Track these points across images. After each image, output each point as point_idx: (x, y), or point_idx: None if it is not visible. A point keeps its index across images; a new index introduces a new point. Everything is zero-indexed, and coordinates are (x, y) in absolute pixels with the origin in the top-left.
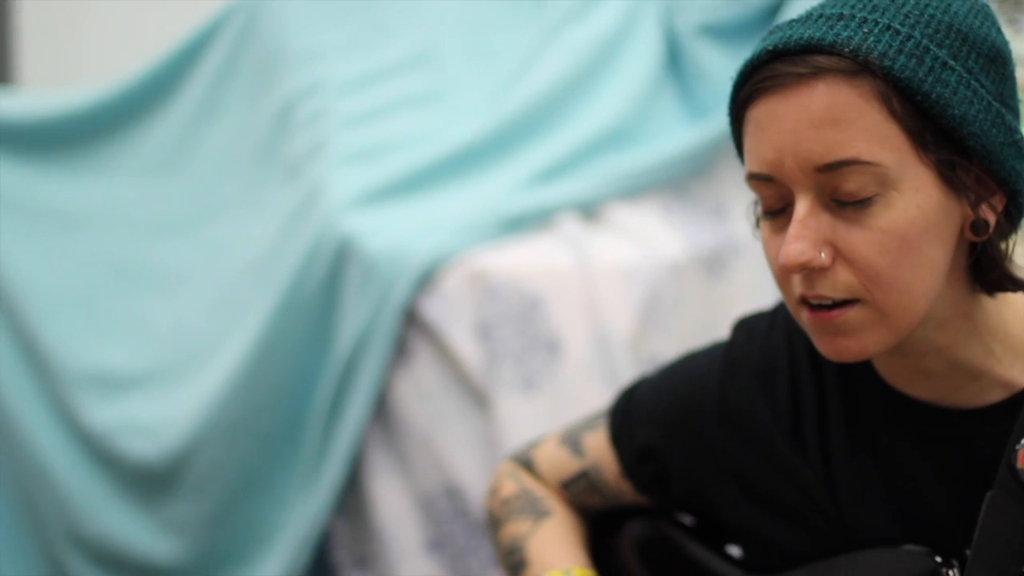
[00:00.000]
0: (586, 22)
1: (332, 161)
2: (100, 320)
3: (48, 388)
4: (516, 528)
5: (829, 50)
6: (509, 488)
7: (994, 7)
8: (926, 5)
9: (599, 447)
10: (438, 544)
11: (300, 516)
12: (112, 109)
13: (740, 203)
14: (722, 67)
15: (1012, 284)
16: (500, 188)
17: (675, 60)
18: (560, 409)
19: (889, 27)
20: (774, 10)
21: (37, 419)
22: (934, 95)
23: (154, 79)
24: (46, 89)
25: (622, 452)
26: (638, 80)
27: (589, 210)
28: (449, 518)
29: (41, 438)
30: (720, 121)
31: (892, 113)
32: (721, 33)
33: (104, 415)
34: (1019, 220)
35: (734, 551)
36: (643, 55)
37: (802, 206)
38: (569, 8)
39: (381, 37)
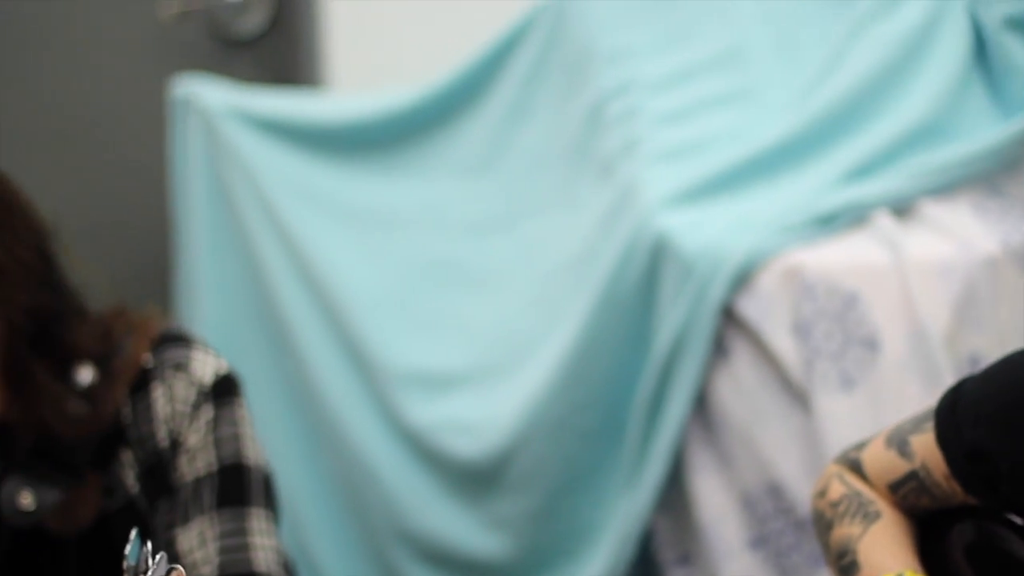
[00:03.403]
0: (893, 16)
1: (645, 159)
2: (420, 319)
3: (372, 387)
4: (847, 531)
5: None
6: (838, 490)
7: None
8: None
9: (927, 448)
10: (760, 542)
11: (622, 513)
12: (425, 110)
13: None
14: None
15: None
16: (812, 185)
17: (982, 54)
18: (880, 407)
19: None
20: None
21: (362, 418)
22: None
23: (466, 80)
24: (357, 92)
25: (950, 453)
26: (947, 75)
27: (901, 207)
28: (771, 516)
29: (367, 437)
30: None
31: None
32: None
33: (427, 414)
34: None
35: None
36: (951, 49)
37: None
38: (875, 2)
39: (689, 35)
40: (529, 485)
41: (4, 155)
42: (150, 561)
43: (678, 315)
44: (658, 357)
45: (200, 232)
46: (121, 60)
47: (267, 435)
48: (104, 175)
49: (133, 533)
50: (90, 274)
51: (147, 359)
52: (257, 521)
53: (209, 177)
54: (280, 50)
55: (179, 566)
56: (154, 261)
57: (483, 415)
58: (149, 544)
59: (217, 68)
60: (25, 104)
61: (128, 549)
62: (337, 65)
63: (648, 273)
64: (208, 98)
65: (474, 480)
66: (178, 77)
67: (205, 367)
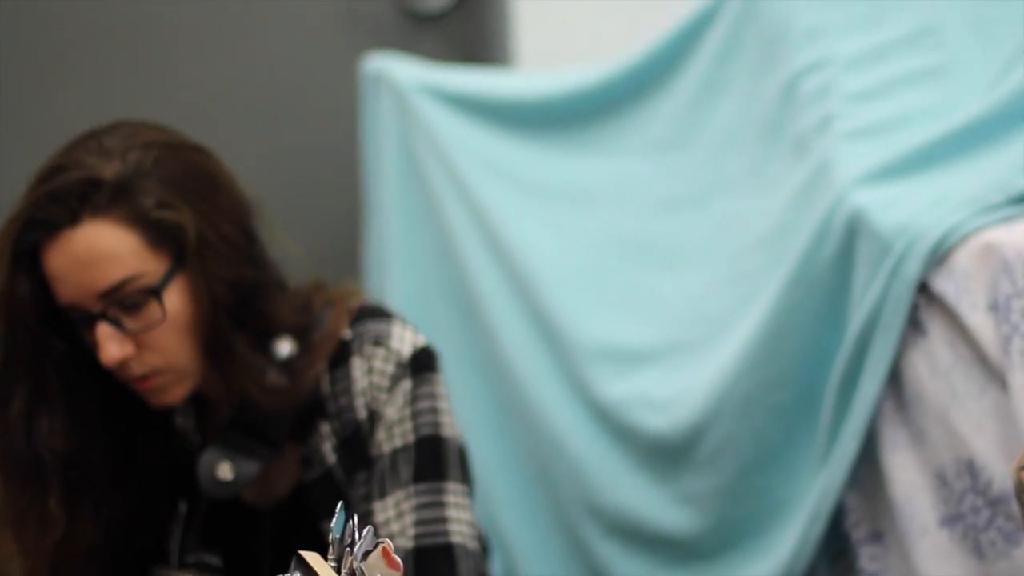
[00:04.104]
0: None
1: (840, 136)
2: (611, 295)
3: (562, 362)
4: None
5: None
6: None
7: None
8: None
9: None
10: (954, 519)
11: (814, 491)
12: (616, 87)
13: None
14: None
15: None
16: (1010, 164)
17: None
18: None
19: None
20: None
21: (552, 393)
22: None
23: (657, 58)
24: (544, 71)
25: None
26: None
27: None
28: (966, 493)
29: (557, 411)
30: None
31: None
32: None
33: (617, 389)
34: None
35: None
36: None
37: None
38: None
39: (883, 14)
40: (719, 461)
41: (198, 132)
42: (356, 534)
43: (873, 292)
44: (852, 334)
45: (391, 207)
46: (311, 38)
47: (458, 409)
48: (294, 152)
49: (339, 506)
50: (288, 249)
51: (346, 333)
52: (453, 495)
53: (400, 152)
54: (467, 28)
55: (387, 540)
56: (344, 237)
57: (674, 391)
58: (355, 517)
59: (404, 46)
60: (218, 82)
61: (333, 522)
62: (524, 43)
63: (843, 250)
64: (399, 73)
65: (664, 456)
66: (367, 54)
67: (404, 341)
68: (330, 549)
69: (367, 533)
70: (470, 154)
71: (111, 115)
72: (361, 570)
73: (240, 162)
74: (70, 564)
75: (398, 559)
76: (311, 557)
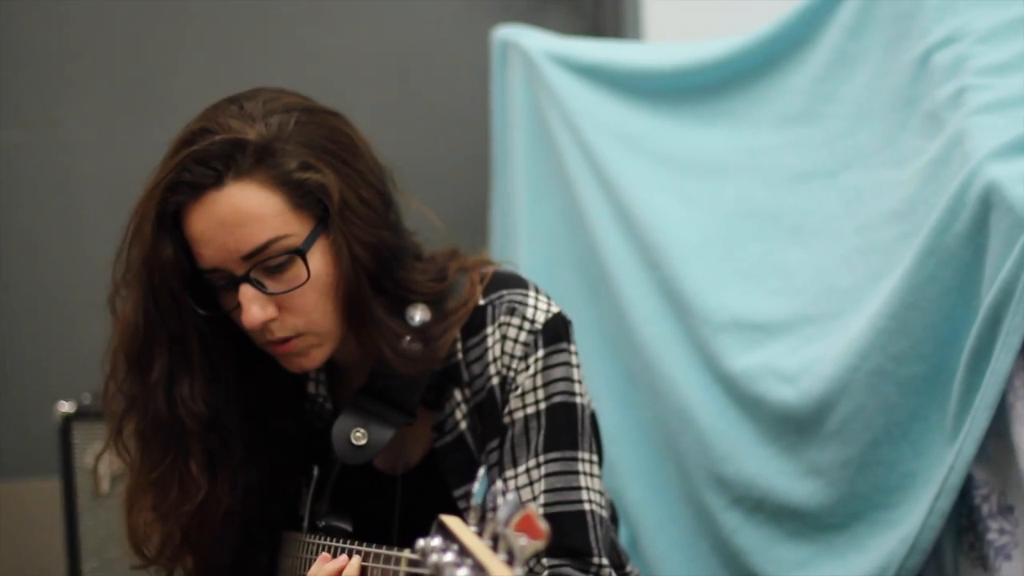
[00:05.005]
0: None
1: (974, 109)
2: (740, 267)
3: (690, 333)
4: None
5: None
6: None
7: None
8: None
9: None
10: None
11: (942, 463)
12: (747, 59)
13: None
14: None
15: None
16: None
17: None
18: None
19: None
20: None
21: (680, 363)
22: None
23: (789, 30)
24: (673, 43)
25: None
26: None
27: None
28: None
29: (684, 382)
30: None
31: None
32: None
33: (746, 361)
34: None
35: None
36: None
37: None
38: None
39: None
40: (848, 434)
41: (334, 101)
42: (499, 500)
43: (1007, 266)
44: (985, 308)
45: (520, 177)
46: (442, 8)
47: (585, 378)
48: (426, 123)
49: (481, 472)
50: (422, 215)
51: (481, 300)
52: (583, 463)
53: (530, 122)
54: (595, 1)
55: (530, 506)
56: (472, 208)
57: (803, 363)
58: (498, 483)
59: (534, 18)
60: (354, 51)
61: (475, 488)
62: (651, 17)
63: (976, 224)
64: (529, 43)
65: (792, 427)
66: (497, 26)
67: (538, 309)
68: (470, 515)
69: (511, 499)
70: (599, 124)
71: (248, 83)
72: (505, 536)
73: (373, 130)
74: (206, 529)
75: (543, 526)
76: (452, 522)
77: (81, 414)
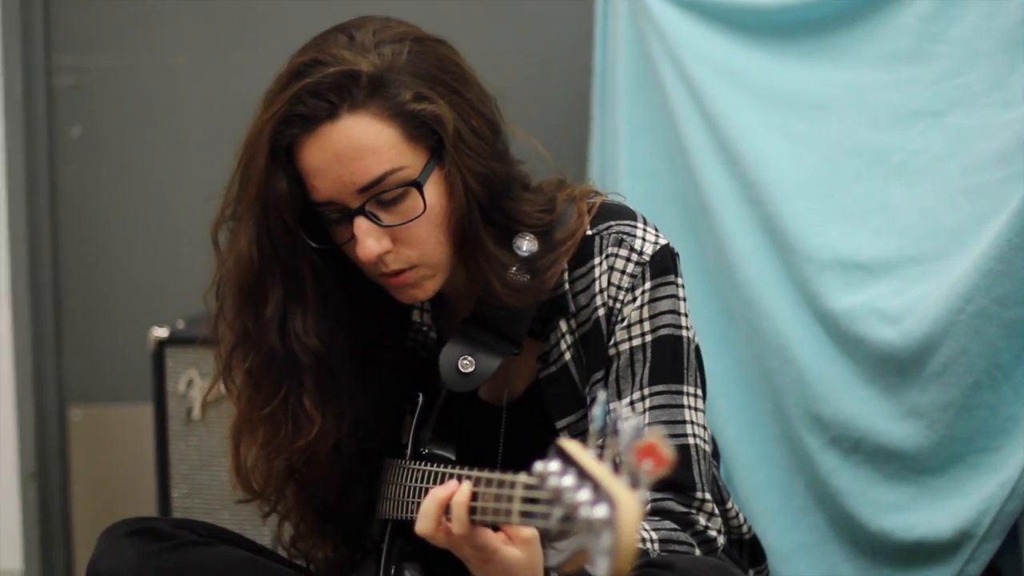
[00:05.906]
0: None
1: None
2: (843, 206)
3: (791, 271)
4: None
5: None
6: None
7: None
8: None
9: None
10: None
11: None
12: None
13: None
14: None
15: None
16: None
17: None
18: None
19: None
20: None
21: (781, 301)
22: None
23: None
24: None
25: None
26: None
27: None
28: None
29: (784, 320)
30: None
31: None
32: None
33: (847, 300)
34: None
35: None
36: None
37: None
38: None
39: None
40: (950, 376)
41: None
42: (620, 425)
43: None
44: None
45: (622, 110)
46: None
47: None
48: (528, 56)
49: (601, 397)
50: (528, 145)
51: (588, 231)
52: (688, 396)
53: (633, 56)
54: None
55: (655, 432)
56: (569, 141)
57: (905, 304)
58: (619, 407)
59: None
60: None
61: (595, 411)
62: None
63: None
64: None
65: (892, 369)
66: None
67: (646, 241)
68: (589, 439)
69: (634, 424)
70: (704, 59)
71: (347, 5)
72: (628, 460)
73: (477, 60)
74: (313, 464)
75: (667, 453)
76: (571, 446)
77: (175, 340)
